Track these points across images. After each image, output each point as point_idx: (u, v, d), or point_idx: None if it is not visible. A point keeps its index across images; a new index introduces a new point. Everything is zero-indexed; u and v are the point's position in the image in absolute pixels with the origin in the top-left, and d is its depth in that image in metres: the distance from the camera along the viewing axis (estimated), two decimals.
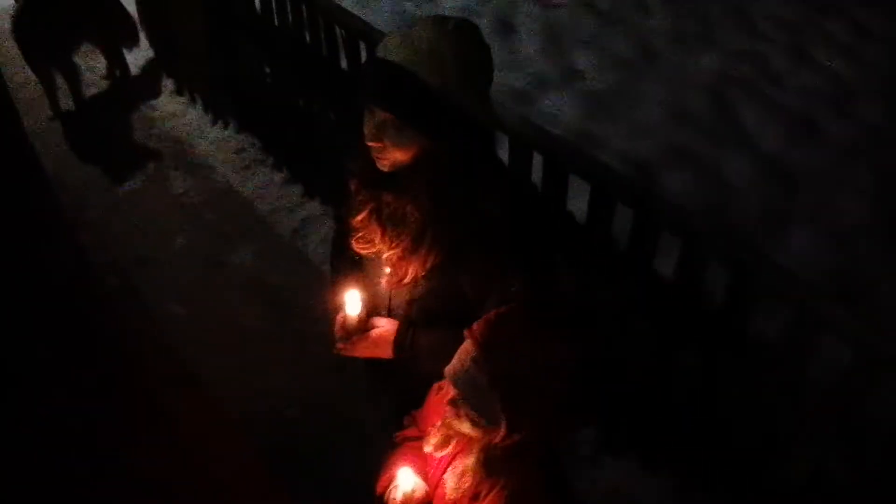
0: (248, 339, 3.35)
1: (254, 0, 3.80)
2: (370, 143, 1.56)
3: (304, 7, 3.42)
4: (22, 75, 4.66)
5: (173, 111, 4.77)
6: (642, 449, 2.82)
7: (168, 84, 4.98)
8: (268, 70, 4.04)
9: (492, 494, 1.44)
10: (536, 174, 2.55)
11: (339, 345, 1.80)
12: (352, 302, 1.75)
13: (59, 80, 4.63)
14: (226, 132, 4.54)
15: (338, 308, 1.79)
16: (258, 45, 3.93)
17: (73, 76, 4.67)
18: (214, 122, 4.63)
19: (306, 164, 3.98)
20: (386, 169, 1.60)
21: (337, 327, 1.79)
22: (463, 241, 1.59)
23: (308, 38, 3.47)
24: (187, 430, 2.88)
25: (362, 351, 1.79)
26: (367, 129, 1.56)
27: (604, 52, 5.46)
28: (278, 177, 4.22)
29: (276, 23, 3.63)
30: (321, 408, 3.00)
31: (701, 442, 2.56)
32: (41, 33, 4.32)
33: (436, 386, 1.68)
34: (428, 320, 1.72)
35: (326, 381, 3.02)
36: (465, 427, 1.44)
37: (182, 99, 4.86)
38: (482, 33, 1.57)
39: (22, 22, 4.28)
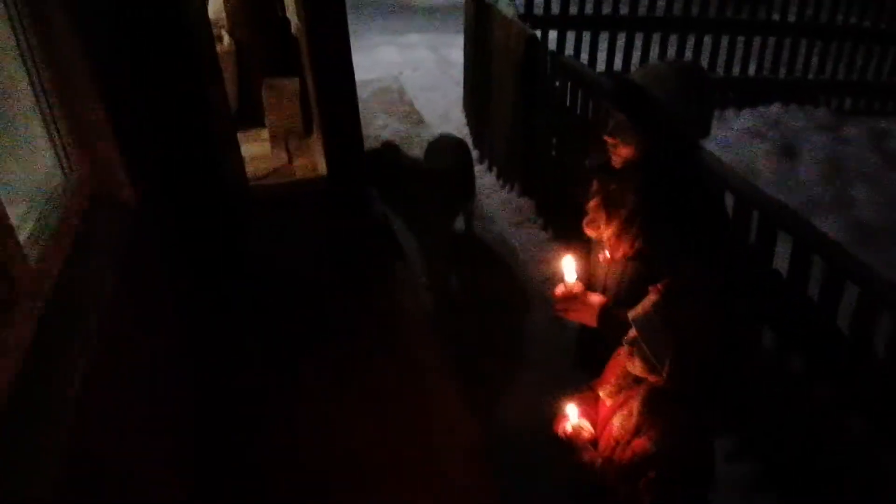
0: (495, 352, 3.95)
1: (554, 89, 4.63)
2: (607, 138, 2.05)
3: (591, 96, 4.15)
4: None
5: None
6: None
7: (474, 154, 5.99)
8: (554, 152, 4.81)
9: (651, 431, 1.80)
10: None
11: (557, 306, 2.23)
12: (569, 270, 2.19)
13: None
14: (510, 194, 5.44)
15: (560, 276, 2.21)
16: (553, 125, 4.73)
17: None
18: (503, 186, 5.54)
19: (568, 227, 4.62)
20: (617, 164, 2.08)
21: (557, 291, 2.23)
22: (668, 229, 1.98)
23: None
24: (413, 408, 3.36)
25: (573, 315, 2.21)
26: (608, 128, 2.05)
27: (883, 188, 5.51)
28: (543, 235, 4.93)
29: (568, 103, 4.40)
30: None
31: None
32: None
33: (615, 353, 2.04)
34: (631, 302, 2.01)
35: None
36: (637, 367, 1.83)
37: (482, 166, 5.84)
38: (704, 72, 2.09)
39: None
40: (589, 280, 2.27)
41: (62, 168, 2.02)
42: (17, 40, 1.86)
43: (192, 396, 2.87)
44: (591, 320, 2.17)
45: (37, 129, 1.94)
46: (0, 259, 1.42)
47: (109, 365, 1.74)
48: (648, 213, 2.01)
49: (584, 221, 2.21)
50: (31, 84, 1.91)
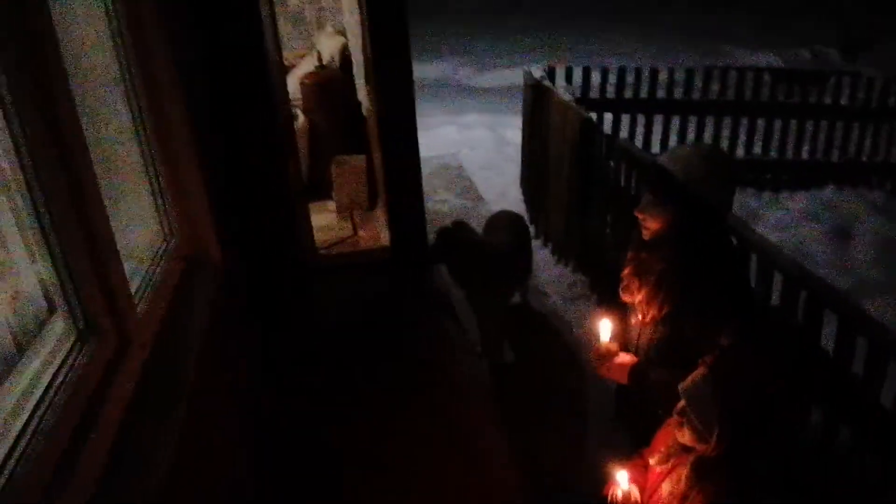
0: (541, 413, 4.06)
1: (609, 169, 4.81)
2: (637, 213, 2.28)
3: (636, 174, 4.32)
4: None
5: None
6: None
7: (530, 229, 6.18)
8: (608, 229, 4.96)
9: (699, 497, 1.88)
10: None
11: (593, 364, 2.44)
12: (604, 331, 2.40)
13: None
14: (565, 269, 5.58)
15: (596, 335, 2.43)
16: (607, 204, 4.90)
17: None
18: (558, 262, 5.68)
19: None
20: (647, 236, 2.28)
21: (593, 350, 2.44)
22: (691, 295, 2.15)
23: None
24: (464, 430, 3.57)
25: (607, 372, 2.41)
26: (640, 205, 2.28)
27: None
28: (597, 310, 5.02)
29: (622, 183, 4.58)
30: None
31: None
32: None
33: (665, 422, 2.16)
34: (661, 362, 2.27)
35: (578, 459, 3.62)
36: (686, 436, 1.92)
37: (538, 241, 6.02)
38: (726, 155, 2.27)
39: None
40: (625, 341, 2.45)
41: (164, 232, 2.28)
42: (136, 126, 2.14)
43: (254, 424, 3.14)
44: (622, 378, 2.36)
45: (145, 198, 2.20)
46: (119, 312, 1.64)
47: (200, 399, 1.97)
48: (676, 280, 2.19)
49: (620, 287, 2.42)
50: (144, 163, 2.18)
